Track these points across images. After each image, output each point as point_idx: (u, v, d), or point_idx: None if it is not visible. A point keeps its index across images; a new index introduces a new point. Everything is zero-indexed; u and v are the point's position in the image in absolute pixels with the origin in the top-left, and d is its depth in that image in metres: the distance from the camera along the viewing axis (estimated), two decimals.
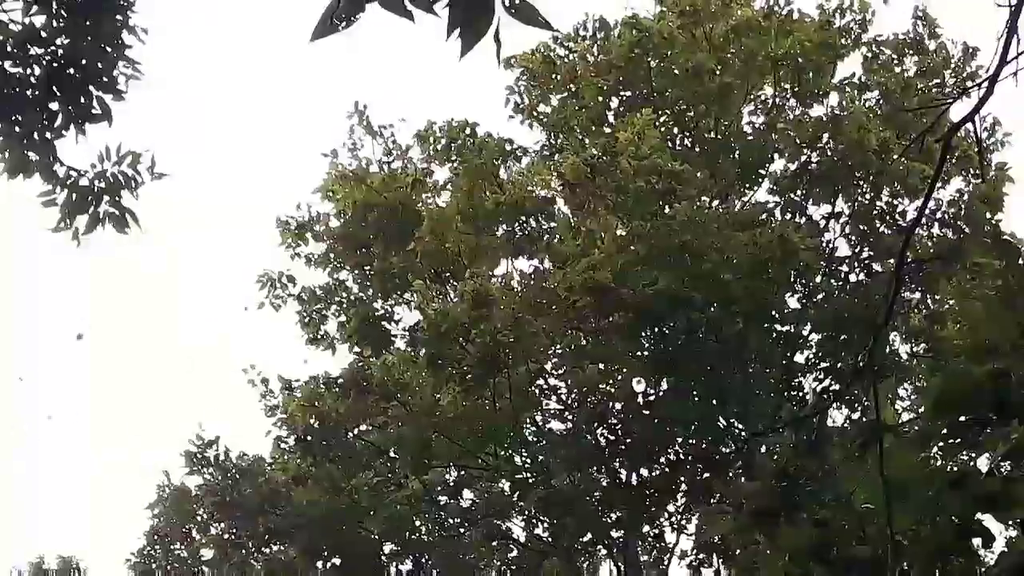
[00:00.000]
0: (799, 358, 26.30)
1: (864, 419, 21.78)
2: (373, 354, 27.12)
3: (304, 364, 46.53)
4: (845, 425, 24.47)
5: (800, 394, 25.82)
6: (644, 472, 25.91)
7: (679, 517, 26.05)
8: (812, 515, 8.70)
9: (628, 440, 25.28)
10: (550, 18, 4.71)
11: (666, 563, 26.04)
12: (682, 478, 25.52)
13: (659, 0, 27.74)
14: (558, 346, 25.84)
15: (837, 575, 8.32)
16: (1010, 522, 7.88)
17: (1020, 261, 8.42)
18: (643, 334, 25.08)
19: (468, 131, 27.82)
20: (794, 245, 23.68)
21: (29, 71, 9.84)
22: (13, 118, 9.89)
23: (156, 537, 30.79)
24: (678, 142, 28.13)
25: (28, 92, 9.82)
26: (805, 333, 26.12)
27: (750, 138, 27.54)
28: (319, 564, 27.38)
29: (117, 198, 10.87)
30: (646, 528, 25.93)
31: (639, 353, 25.14)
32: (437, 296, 26.37)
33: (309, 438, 26.82)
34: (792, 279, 25.29)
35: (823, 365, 25.98)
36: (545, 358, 25.95)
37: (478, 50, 4.70)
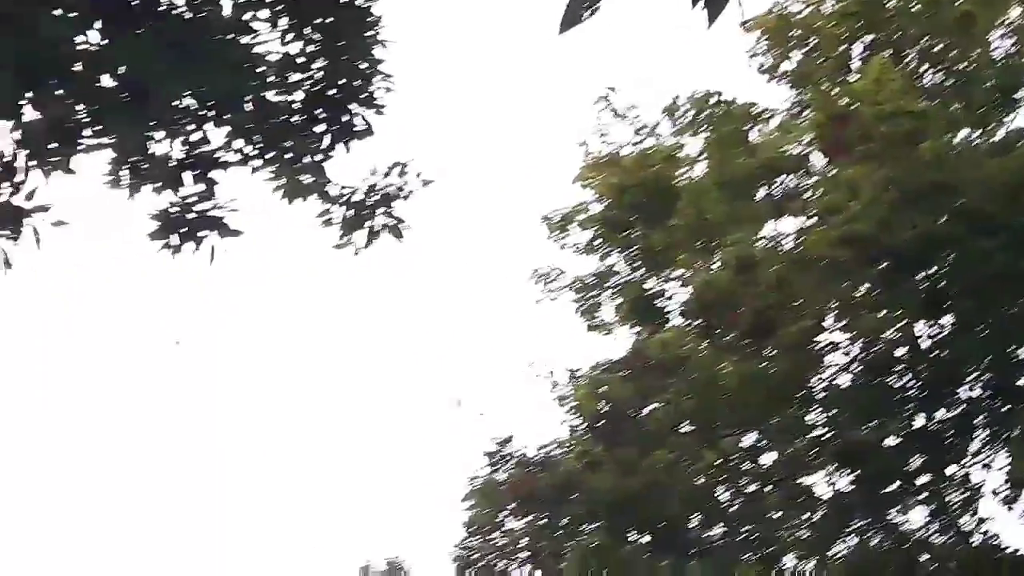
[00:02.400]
0: None
1: None
2: (650, 333, 27.41)
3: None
4: None
5: None
6: (940, 414, 25.39)
7: (984, 454, 25.44)
8: None
9: (918, 384, 24.87)
10: None
11: (976, 502, 25.45)
12: (981, 415, 24.93)
13: None
14: (830, 301, 25.58)
15: None
16: None
17: None
18: (912, 278, 24.60)
19: (714, 100, 27.77)
20: None
21: (291, 98, 10.46)
22: (282, 145, 10.53)
23: (474, 528, 31.78)
24: (927, 78, 27.47)
25: (292, 118, 10.44)
26: None
27: (1001, 63, 26.68)
28: (627, 544, 27.77)
29: (390, 209, 11.42)
30: (951, 469, 25.44)
31: (911, 299, 24.68)
32: (703, 267, 26.49)
33: (599, 423, 27.30)
34: None
35: None
36: (820, 314, 25.74)
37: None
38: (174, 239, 10.66)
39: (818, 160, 26.54)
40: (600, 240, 28.97)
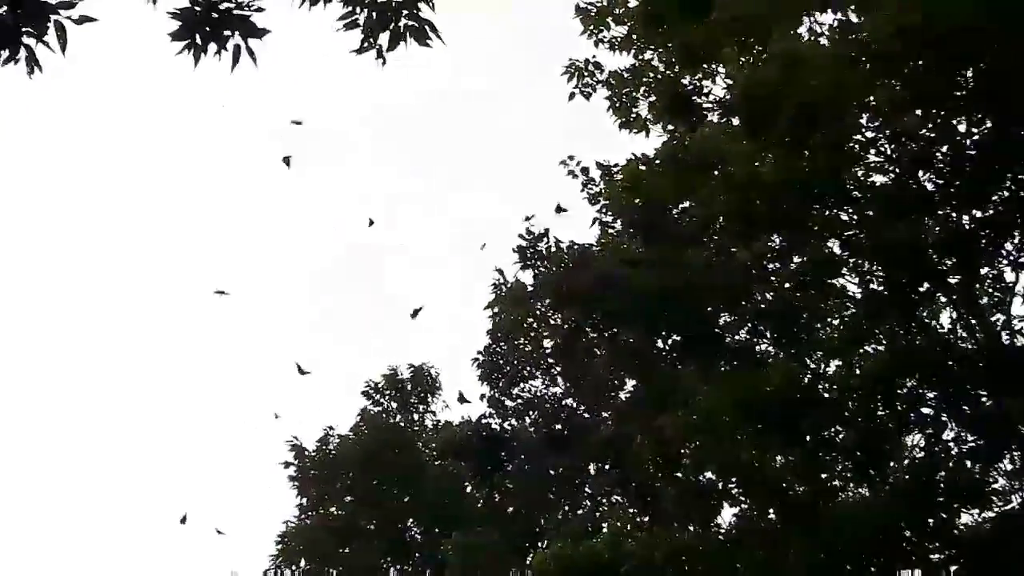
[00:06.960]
0: None
1: None
2: (687, 129, 27.13)
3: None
4: None
5: None
6: (977, 213, 25.16)
7: (1017, 255, 25.32)
8: None
9: (956, 183, 24.59)
10: None
11: (1008, 302, 25.46)
12: (1017, 215, 24.71)
13: None
14: (873, 98, 25.15)
15: None
16: None
17: None
18: (961, 72, 24.07)
19: None
20: None
21: None
22: None
23: (499, 335, 31.97)
24: None
25: None
26: None
27: None
28: (659, 342, 28.01)
29: (416, 11, 11.16)
30: (985, 270, 25.37)
31: (958, 93, 24.21)
32: (746, 63, 26.04)
33: (635, 220, 27.22)
34: None
35: None
36: (861, 111, 25.36)
37: None
38: (197, 39, 10.52)
39: None
40: (637, 36, 28.44)
